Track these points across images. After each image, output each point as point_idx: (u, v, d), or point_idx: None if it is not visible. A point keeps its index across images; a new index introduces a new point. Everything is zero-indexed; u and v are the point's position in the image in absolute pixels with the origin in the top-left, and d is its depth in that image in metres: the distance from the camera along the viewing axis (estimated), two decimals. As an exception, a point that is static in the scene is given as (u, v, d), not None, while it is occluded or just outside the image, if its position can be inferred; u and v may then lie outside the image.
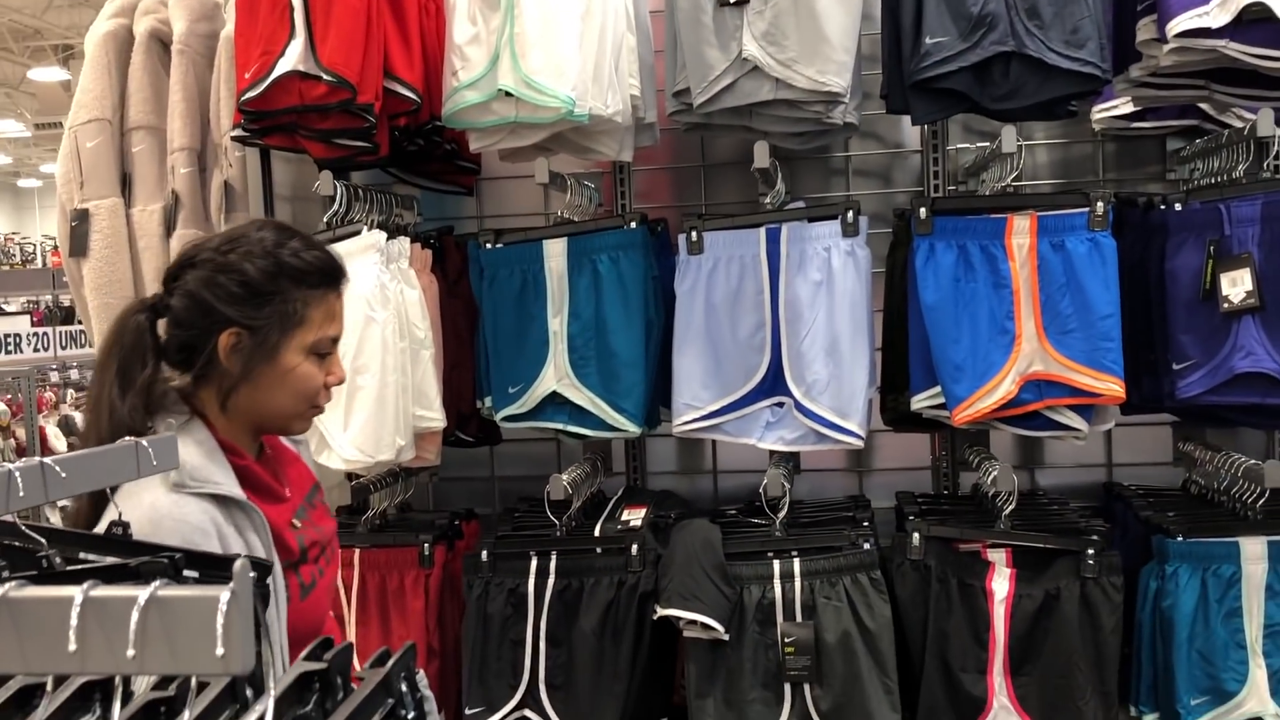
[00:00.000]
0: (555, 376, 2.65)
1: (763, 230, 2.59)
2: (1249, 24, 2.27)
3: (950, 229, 2.50)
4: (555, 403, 2.67)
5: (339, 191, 2.64)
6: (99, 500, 1.44)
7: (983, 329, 2.47)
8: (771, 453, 2.70)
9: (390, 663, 0.96)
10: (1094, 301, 2.40)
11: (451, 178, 3.15)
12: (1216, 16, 2.27)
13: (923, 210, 2.51)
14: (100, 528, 1.35)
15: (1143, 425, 2.87)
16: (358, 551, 2.76)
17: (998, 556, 2.53)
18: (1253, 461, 2.47)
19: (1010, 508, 2.53)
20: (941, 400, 2.50)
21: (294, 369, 1.58)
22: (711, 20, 2.48)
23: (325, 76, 2.43)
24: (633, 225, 2.66)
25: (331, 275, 1.63)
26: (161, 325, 1.57)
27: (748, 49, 2.46)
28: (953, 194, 2.91)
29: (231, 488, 1.53)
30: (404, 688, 0.96)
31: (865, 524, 2.67)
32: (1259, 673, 2.46)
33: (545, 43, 2.44)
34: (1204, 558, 2.49)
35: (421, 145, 2.94)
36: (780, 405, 2.58)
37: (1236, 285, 2.40)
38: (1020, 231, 2.46)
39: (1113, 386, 2.39)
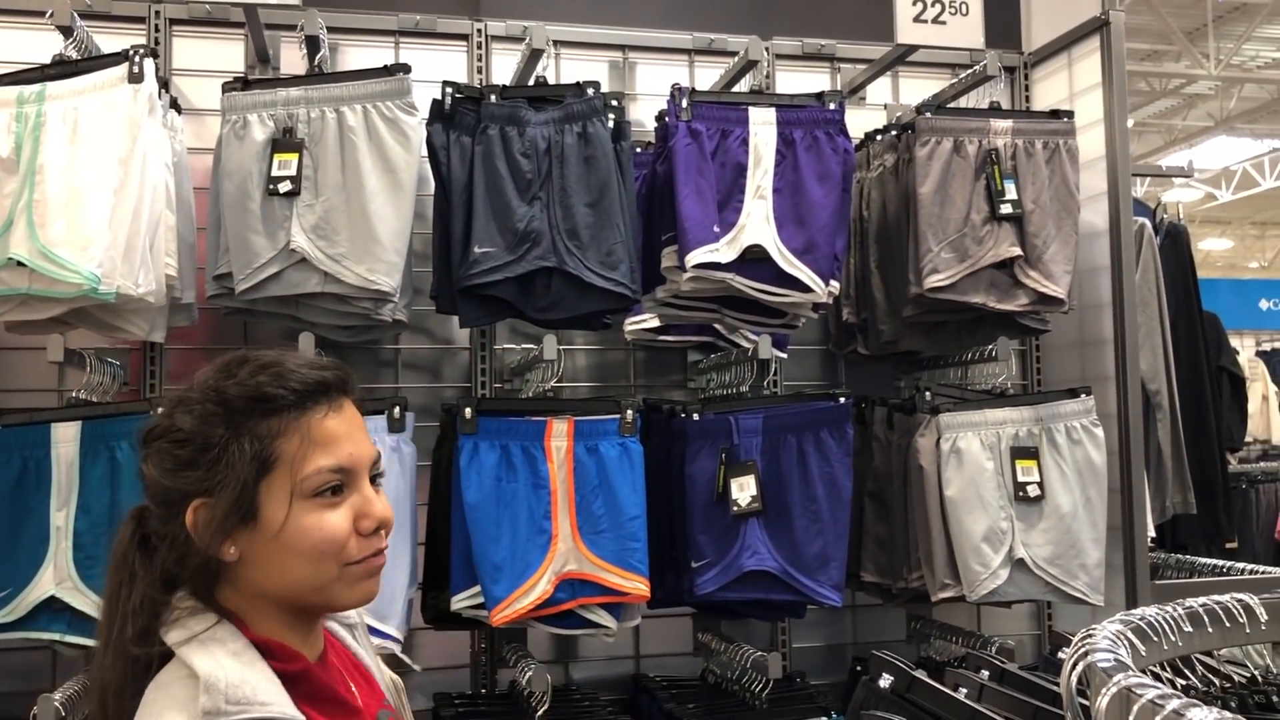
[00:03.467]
0: (55, 579, 2.35)
1: (304, 423, 2.50)
2: (751, 262, 2.61)
3: (494, 429, 2.57)
4: (53, 609, 2.35)
5: None
6: None
7: (522, 528, 2.52)
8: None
9: None
10: (623, 503, 2.55)
11: (-56, 345, 2.77)
12: (725, 253, 2.58)
13: (468, 410, 2.56)
14: None
15: (667, 617, 3.05)
16: None
17: (534, 758, 2.52)
18: (759, 653, 2.68)
19: (544, 708, 2.56)
20: (481, 600, 2.51)
21: (288, 525, 1.19)
22: (259, 208, 2.44)
23: None
24: (160, 410, 2.47)
25: (306, 391, 1.22)
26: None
27: (296, 240, 2.43)
28: (499, 392, 3.01)
29: (283, 707, 1.15)
30: None
31: (399, 730, 2.56)
32: None
33: (70, 213, 2.26)
34: (720, 747, 2.65)
35: (-93, 308, 2.57)
36: (315, 608, 2.45)
37: (744, 490, 2.66)
38: (559, 435, 2.58)
39: (639, 585, 2.52)
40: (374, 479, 1.26)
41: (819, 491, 2.68)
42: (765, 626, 3.20)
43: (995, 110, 2.95)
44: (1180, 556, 3.47)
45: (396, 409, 2.55)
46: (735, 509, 2.64)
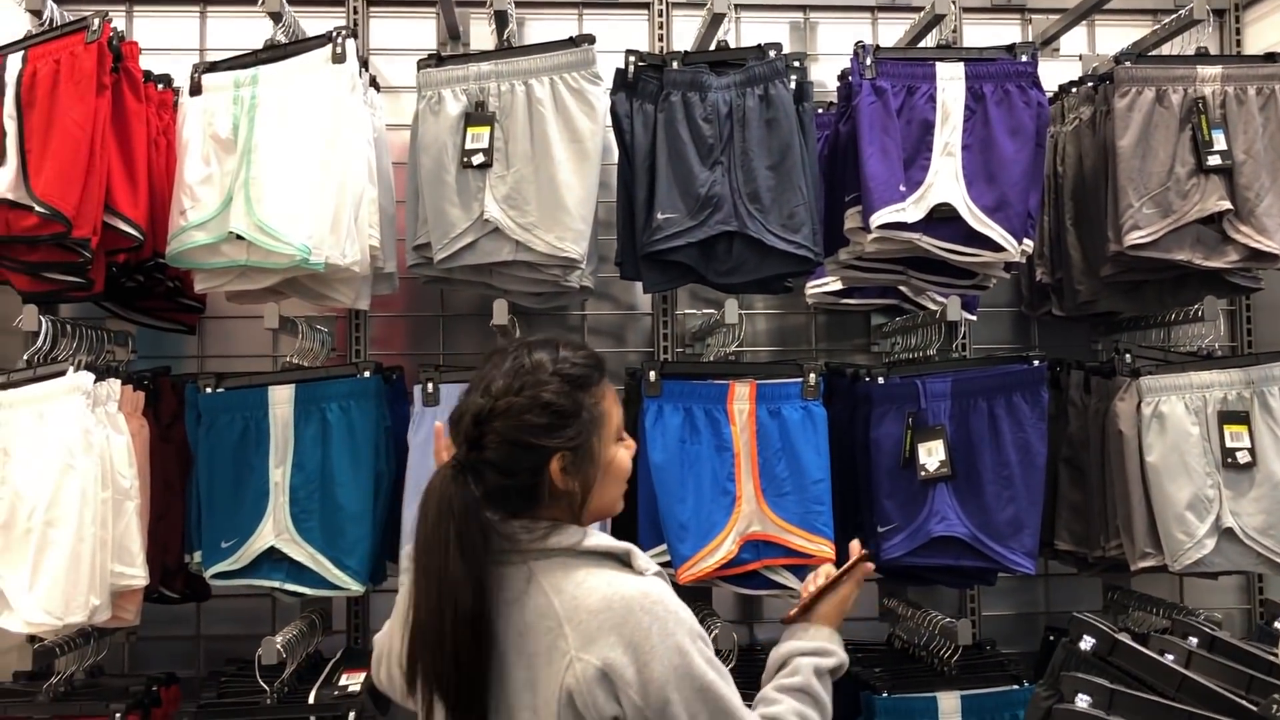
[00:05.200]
0: (274, 531, 2.52)
1: (498, 386, 2.60)
2: (939, 221, 2.55)
3: (677, 392, 2.61)
4: (272, 559, 2.53)
5: (44, 327, 2.46)
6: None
7: (706, 490, 2.56)
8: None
9: None
10: (806, 467, 2.55)
11: (173, 315, 3.00)
12: (911, 212, 2.53)
13: (652, 374, 2.61)
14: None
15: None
16: (36, 723, 2.48)
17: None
18: (947, 619, 2.65)
19: (730, 666, 2.58)
20: (667, 558, 2.56)
21: (613, 460, 1.64)
22: (454, 180, 2.53)
23: (38, 208, 2.29)
24: (366, 374, 2.62)
25: (600, 368, 1.67)
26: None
27: (489, 210, 2.51)
28: (680, 357, 3.05)
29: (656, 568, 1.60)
30: None
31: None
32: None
33: (282, 189, 2.40)
34: (906, 713, 2.63)
35: (141, 281, 2.79)
36: (510, 563, 2.56)
37: (931, 455, 2.61)
38: (741, 398, 2.59)
39: (823, 548, 2.52)
40: None
41: (1011, 457, 2.62)
42: (953, 593, 3.15)
43: (1202, 56, 2.78)
44: None
45: (584, 373, 2.61)
46: (923, 474, 2.60)
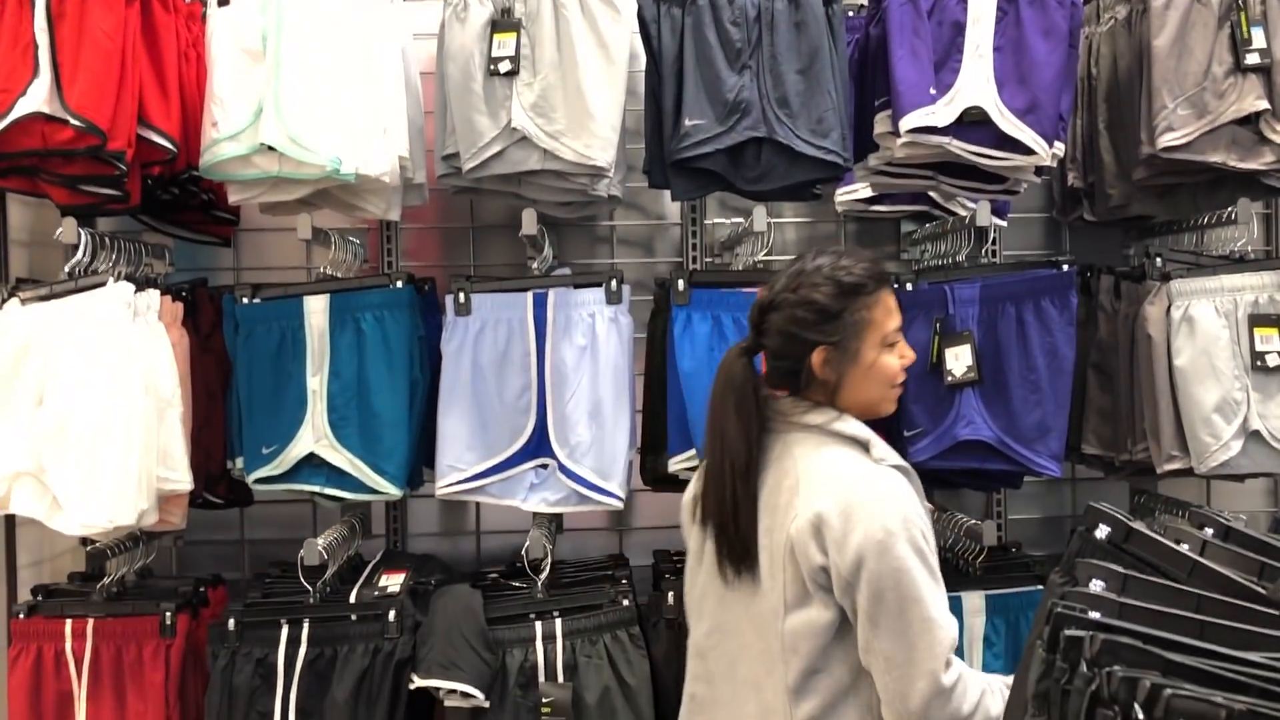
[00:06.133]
0: (313, 437, 2.59)
1: (530, 294, 2.64)
2: (969, 125, 2.52)
3: (706, 301, 2.63)
4: (312, 464, 2.60)
5: (83, 240, 2.50)
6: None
7: (735, 396, 2.59)
8: (534, 514, 2.73)
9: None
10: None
11: (208, 228, 3.04)
12: (942, 116, 2.51)
13: (680, 282, 2.63)
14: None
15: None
16: (91, 621, 2.59)
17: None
18: (973, 521, 2.69)
19: (759, 566, 2.65)
20: (696, 462, 2.61)
21: (874, 363, 1.88)
22: (481, 89, 2.53)
23: (73, 121, 2.32)
24: (399, 284, 2.65)
25: (880, 279, 1.90)
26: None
27: (516, 119, 2.51)
28: (710, 266, 3.06)
29: (901, 461, 1.86)
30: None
31: (624, 582, 2.73)
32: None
33: (312, 100, 2.42)
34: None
35: (176, 194, 2.83)
36: (544, 467, 2.62)
37: (959, 360, 2.63)
38: (770, 304, 2.61)
39: (852, 452, 2.56)
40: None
41: (1039, 361, 2.63)
42: (979, 497, 3.20)
43: (1244, -50, 2.71)
44: None
45: (614, 282, 2.64)
46: (950, 379, 2.62)
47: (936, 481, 2.91)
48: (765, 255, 2.83)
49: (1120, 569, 1.12)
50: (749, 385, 1.87)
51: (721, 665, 1.92)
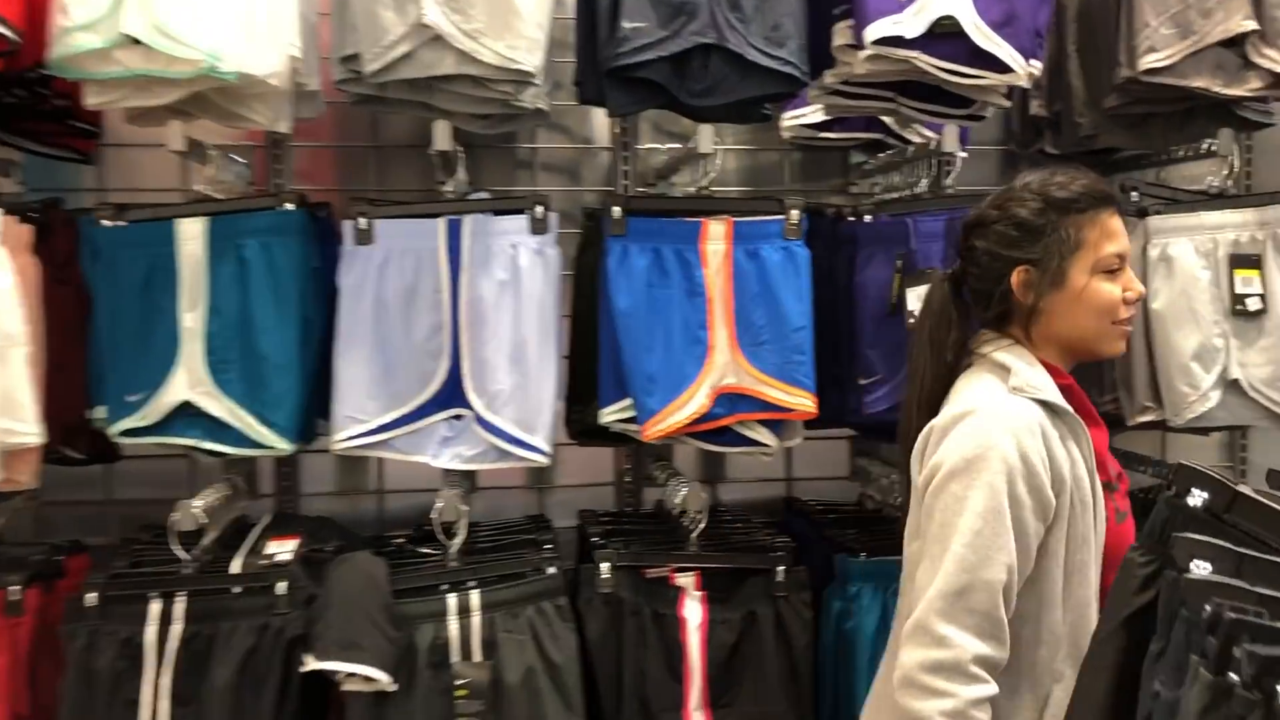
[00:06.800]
0: (188, 383, 2.23)
1: (442, 221, 2.30)
2: (940, 38, 2.25)
3: (644, 231, 2.33)
4: (187, 414, 2.25)
5: (-97, 146, 2.09)
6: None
7: (676, 338, 2.31)
8: (445, 471, 2.41)
9: None
10: (788, 313, 2.30)
11: (65, 141, 2.63)
12: (910, 25, 2.23)
13: (616, 210, 2.33)
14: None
15: (823, 439, 2.83)
16: (-78, 598, 2.20)
17: (687, 581, 2.37)
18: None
19: (699, 528, 2.39)
20: (632, 413, 2.33)
21: (1084, 288, 1.70)
22: (388, -22, 2.17)
23: (-122, -7, 1.90)
24: (289, 207, 2.30)
25: (1098, 198, 1.72)
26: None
27: (429, 14, 2.16)
28: (644, 194, 2.75)
29: (1057, 397, 1.66)
30: None
31: (548, 546, 2.44)
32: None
33: (184, -16, 2.03)
34: (885, 576, 2.46)
35: (24, 98, 2.42)
36: (458, 418, 2.31)
37: (920, 301, 2.38)
38: (715, 237, 2.33)
39: (804, 402, 2.30)
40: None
41: (1005, 303, 2.40)
42: (927, 452, 2.98)
43: None
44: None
45: (539, 209, 2.32)
46: (912, 320, 2.37)
47: (889, 434, 2.68)
48: (708, 183, 2.54)
49: (1231, 546, 0.86)
50: (946, 314, 1.77)
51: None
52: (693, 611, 2.34)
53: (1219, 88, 2.41)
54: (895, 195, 2.62)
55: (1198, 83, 2.40)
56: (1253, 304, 2.40)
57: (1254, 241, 2.43)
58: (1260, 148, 2.93)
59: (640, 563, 2.36)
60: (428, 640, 2.19)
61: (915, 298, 2.38)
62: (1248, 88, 2.42)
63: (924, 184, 2.52)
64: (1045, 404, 1.64)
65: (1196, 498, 0.95)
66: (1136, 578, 0.91)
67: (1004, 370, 1.69)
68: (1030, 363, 1.70)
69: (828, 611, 2.48)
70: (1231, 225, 2.44)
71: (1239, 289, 2.41)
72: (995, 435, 1.57)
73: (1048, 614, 1.61)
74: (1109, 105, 2.50)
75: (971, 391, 1.69)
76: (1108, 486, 1.72)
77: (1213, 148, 2.51)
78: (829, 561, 2.52)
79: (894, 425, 2.46)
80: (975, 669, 1.50)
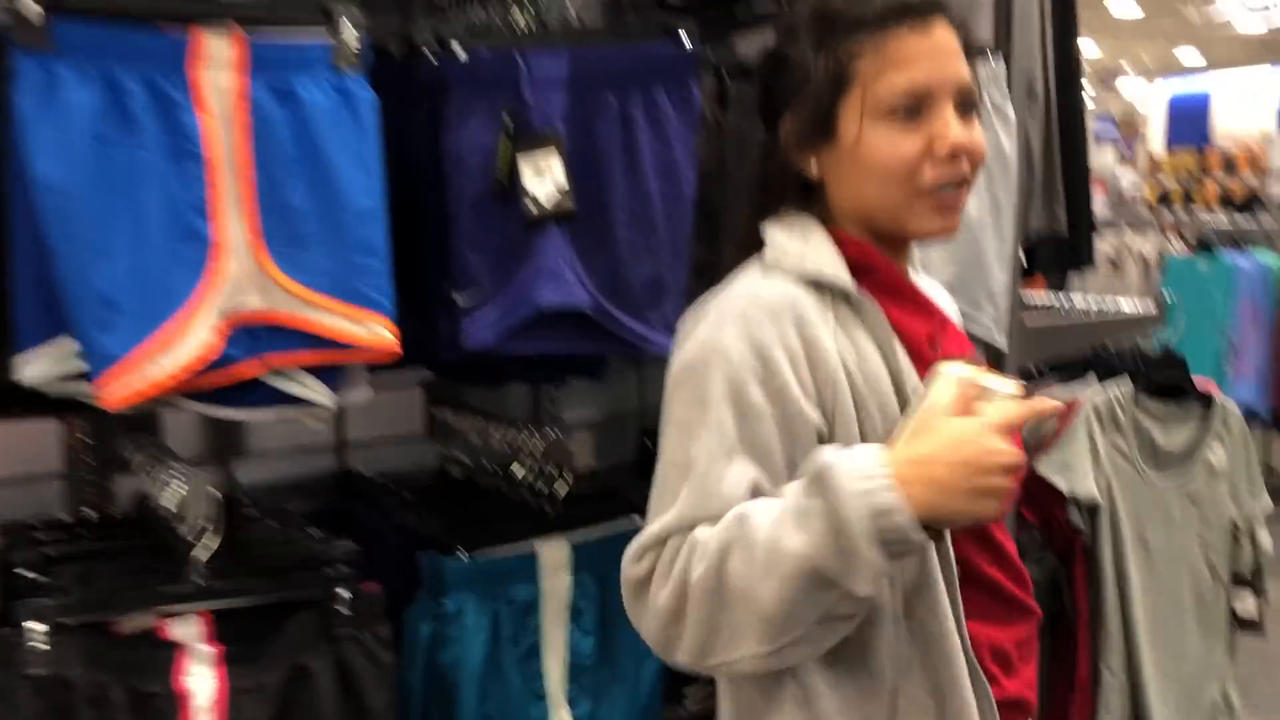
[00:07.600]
0: None
1: None
2: None
3: (89, 46, 1.35)
4: None
5: None
6: None
7: (154, 231, 1.37)
8: None
9: None
10: (346, 189, 1.44)
11: None
12: None
13: (34, 8, 1.32)
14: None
15: (385, 389, 1.99)
16: None
17: (188, 632, 1.46)
18: (555, 435, 1.74)
19: (207, 543, 1.48)
20: (79, 362, 1.36)
21: (858, 141, 1.19)
22: None
23: None
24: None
25: (887, 11, 1.18)
26: None
27: None
28: None
29: (837, 272, 1.21)
30: None
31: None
32: (566, 731, 1.77)
33: None
34: (493, 579, 1.72)
35: None
36: None
37: (543, 178, 1.62)
38: (218, 62, 1.40)
39: (380, 331, 1.47)
40: (966, 109, 1.21)
41: (652, 186, 1.71)
42: (522, 394, 2.25)
43: None
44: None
45: None
46: (533, 209, 1.61)
47: (486, 375, 1.93)
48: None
49: None
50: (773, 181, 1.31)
51: None
52: (201, 681, 1.43)
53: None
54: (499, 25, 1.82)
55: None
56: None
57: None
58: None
59: (106, 611, 1.41)
60: None
61: (533, 172, 1.62)
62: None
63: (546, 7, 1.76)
64: (803, 277, 1.21)
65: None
66: None
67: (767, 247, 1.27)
68: (805, 234, 1.25)
69: (414, 640, 1.69)
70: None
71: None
72: (717, 331, 1.16)
73: None
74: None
75: (725, 283, 1.26)
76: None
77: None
78: (411, 564, 1.72)
79: (503, 364, 1.74)
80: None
